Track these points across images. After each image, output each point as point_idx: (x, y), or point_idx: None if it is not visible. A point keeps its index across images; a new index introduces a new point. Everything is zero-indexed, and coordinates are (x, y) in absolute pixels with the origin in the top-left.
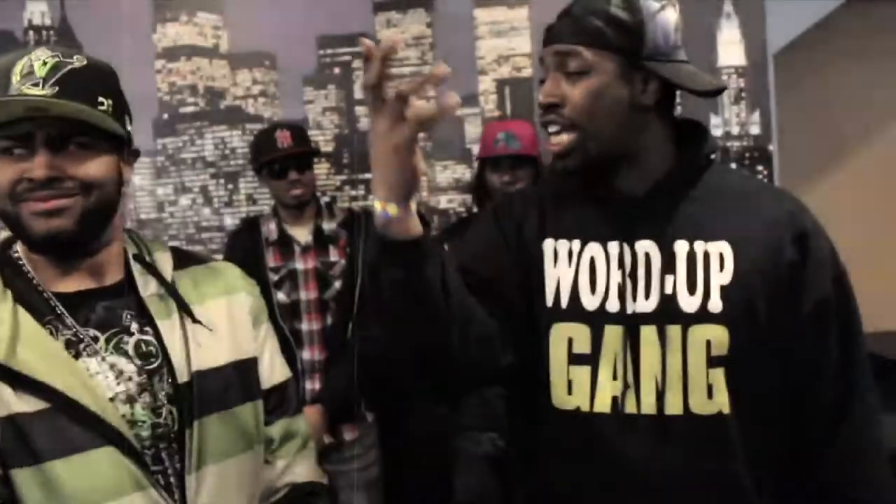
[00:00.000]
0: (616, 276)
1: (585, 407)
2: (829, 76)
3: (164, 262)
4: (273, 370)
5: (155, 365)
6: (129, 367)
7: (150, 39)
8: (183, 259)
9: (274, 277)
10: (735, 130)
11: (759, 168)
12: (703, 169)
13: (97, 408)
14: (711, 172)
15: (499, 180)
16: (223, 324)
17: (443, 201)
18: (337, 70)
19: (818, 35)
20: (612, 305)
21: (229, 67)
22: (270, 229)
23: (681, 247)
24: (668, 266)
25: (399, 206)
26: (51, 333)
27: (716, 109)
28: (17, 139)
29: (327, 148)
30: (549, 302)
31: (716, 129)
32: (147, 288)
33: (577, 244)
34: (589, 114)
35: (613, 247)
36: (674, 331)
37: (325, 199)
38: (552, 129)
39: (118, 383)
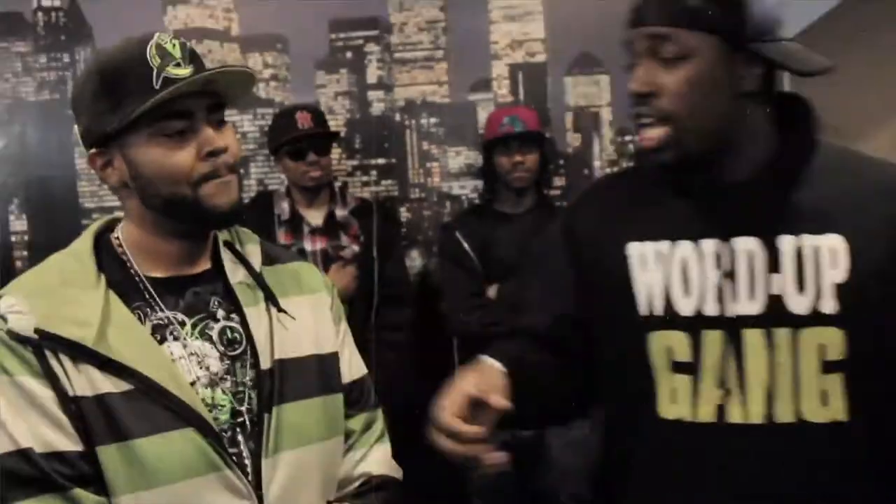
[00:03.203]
0: (713, 277)
1: (688, 416)
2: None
3: (254, 253)
4: (352, 366)
5: (239, 351)
6: (213, 353)
7: (161, 21)
8: (271, 256)
9: None
10: None
11: None
12: (810, 151)
13: (178, 391)
14: (818, 154)
15: (508, 162)
16: (307, 318)
17: (455, 187)
18: (349, 54)
19: (823, 28)
20: (710, 309)
21: (240, 50)
22: (283, 208)
23: (786, 243)
24: (773, 264)
25: None
26: (139, 318)
27: None
28: (183, 116)
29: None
30: (643, 310)
31: None
32: (236, 275)
33: (665, 245)
34: (687, 105)
35: (708, 245)
36: (782, 335)
37: (337, 185)
38: (644, 121)
39: (200, 367)
